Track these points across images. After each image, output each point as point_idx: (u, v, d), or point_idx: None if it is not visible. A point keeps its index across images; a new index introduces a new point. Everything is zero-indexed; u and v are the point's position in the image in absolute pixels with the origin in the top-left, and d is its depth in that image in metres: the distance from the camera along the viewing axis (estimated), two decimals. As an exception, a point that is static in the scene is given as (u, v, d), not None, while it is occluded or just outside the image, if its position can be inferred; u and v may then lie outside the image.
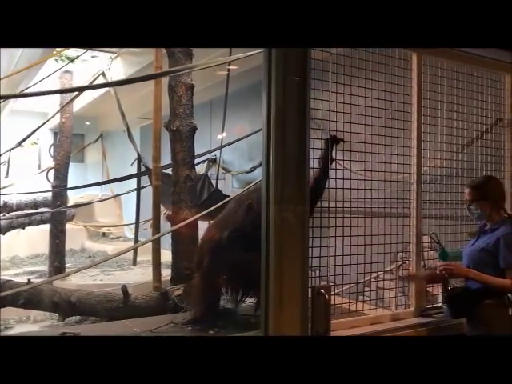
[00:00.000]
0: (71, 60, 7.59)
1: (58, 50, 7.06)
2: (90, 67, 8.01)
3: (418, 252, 2.95)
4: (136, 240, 8.82)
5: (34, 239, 9.63)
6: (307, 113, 2.11)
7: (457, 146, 3.15)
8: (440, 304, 2.88)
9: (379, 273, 3.02)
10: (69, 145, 8.43)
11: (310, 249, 2.26)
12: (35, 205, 9.47)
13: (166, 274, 5.40)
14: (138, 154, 7.63)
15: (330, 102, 2.56)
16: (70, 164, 8.50)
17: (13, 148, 8.02)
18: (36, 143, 11.99)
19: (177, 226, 4.81)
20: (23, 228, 9.26)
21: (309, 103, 2.14)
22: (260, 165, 2.28)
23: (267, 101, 2.04)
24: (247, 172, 7.73)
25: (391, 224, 2.87)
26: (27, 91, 7.68)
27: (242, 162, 8.00)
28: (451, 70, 3.08)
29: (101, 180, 10.48)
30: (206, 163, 8.17)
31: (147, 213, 6.72)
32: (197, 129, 5.31)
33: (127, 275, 8.15)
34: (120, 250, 5.79)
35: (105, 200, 10.11)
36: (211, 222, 4.50)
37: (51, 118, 8.27)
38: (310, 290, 2.17)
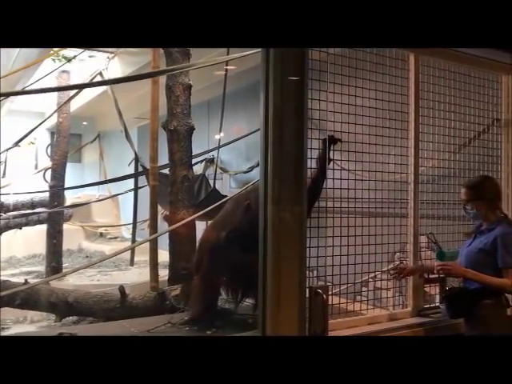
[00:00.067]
0: (68, 60, 7.57)
1: (55, 49, 7.04)
2: (88, 67, 7.99)
3: (416, 252, 2.95)
4: (133, 240, 8.81)
5: (31, 239, 9.60)
6: (305, 113, 2.12)
7: (454, 146, 3.15)
8: (437, 304, 2.88)
9: (377, 273, 3.02)
10: (66, 145, 8.42)
11: (308, 249, 2.27)
12: (32, 205, 9.44)
13: (164, 274, 5.39)
14: (136, 153, 7.61)
15: (327, 102, 2.56)
16: (68, 164, 8.48)
17: (10, 148, 7.99)
18: (33, 143, 11.96)
19: (174, 226, 4.80)
20: (20, 228, 9.22)
21: (306, 103, 2.14)
22: (258, 165, 2.29)
23: (265, 101, 2.04)
24: (245, 172, 7.72)
25: (388, 224, 2.87)
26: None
27: (240, 162, 8.00)
28: (448, 71, 3.08)
29: (98, 180, 10.47)
30: (203, 163, 8.16)
31: (144, 213, 6.71)
32: (194, 129, 5.30)
33: (124, 275, 8.14)
34: (117, 250, 5.80)
35: (102, 200, 10.09)
36: (209, 222, 4.50)
37: (48, 117, 8.25)
38: (307, 290, 2.17)
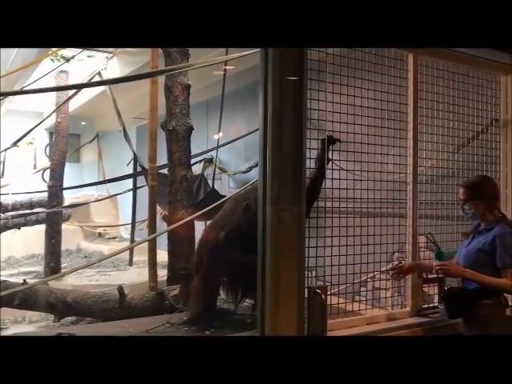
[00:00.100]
0: (67, 60, 7.56)
1: (54, 49, 7.03)
2: (86, 67, 7.99)
3: (414, 252, 2.95)
4: (132, 240, 8.80)
5: (30, 239, 9.59)
6: (304, 113, 2.11)
7: (453, 147, 3.16)
8: (436, 304, 2.88)
9: (375, 273, 3.02)
10: (65, 145, 8.41)
11: (307, 249, 2.27)
12: (31, 205, 9.43)
13: (163, 274, 5.39)
14: (134, 153, 7.61)
15: (326, 102, 2.57)
16: (66, 164, 8.48)
17: (8, 148, 7.99)
18: (32, 143, 11.95)
19: (173, 226, 4.80)
20: (19, 228, 9.22)
21: (305, 103, 2.14)
22: (256, 165, 2.29)
23: (264, 101, 2.04)
24: (244, 172, 7.72)
25: (387, 224, 2.87)
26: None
27: (239, 162, 8.00)
28: (447, 71, 3.09)
29: (97, 180, 10.47)
30: (202, 163, 8.16)
31: (143, 213, 6.70)
32: (193, 129, 5.30)
33: (123, 275, 8.14)
34: (116, 250, 5.78)
35: (101, 200, 10.09)
36: (208, 222, 4.50)
37: (47, 117, 8.26)
38: (306, 290, 2.17)
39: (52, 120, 8.56)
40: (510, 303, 2.53)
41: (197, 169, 7.77)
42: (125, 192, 8.63)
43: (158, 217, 5.74)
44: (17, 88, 8.09)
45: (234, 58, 4.32)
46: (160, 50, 5.24)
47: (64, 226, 8.76)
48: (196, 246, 3.74)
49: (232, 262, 3.05)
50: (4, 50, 6.67)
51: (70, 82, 8.31)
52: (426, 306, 2.98)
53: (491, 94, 3.29)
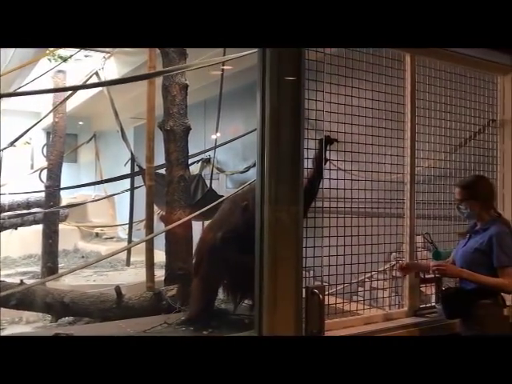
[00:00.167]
0: (64, 59, 7.55)
1: (51, 49, 7.02)
2: (84, 67, 7.97)
3: (412, 252, 2.95)
4: (129, 240, 8.79)
5: (27, 240, 9.57)
6: (301, 113, 2.12)
7: (450, 147, 3.16)
8: (433, 304, 2.89)
9: (373, 273, 3.03)
10: (62, 145, 8.39)
11: (304, 249, 2.27)
12: (28, 205, 9.41)
13: (160, 274, 5.38)
14: (132, 153, 7.60)
15: (323, 102, 2.57)
16: (63, 164, 8.46)
17: (5, 148, 7.96)
18: (29, 143, 11.93)
19: (170, 226, 4.79)
20: (15, 228, 9.19)
21: (303, 103, 2.14)
22: (254, 165, 2.29)
23: (261, 101, 2.04)
24: (241, 172, 7.72)
25: (385, 224, 2.88)
26: (20, 91, 7.63)
27: (237, 162, 8.00)
28: (444, 71, 3.09)
29: (94, 180, 10.43)
30: (199, 163, 8.15)
31: (141, 213, 6.69)
32: (191, 129, 5.30)
33: (121, 276, 8.12)
34: (113, 250, 5.77)
35: (98, 200, 10.06)
36: (206, 222, 4.49)
37: (44, 117, 8.22)
38: (304, 290, 2.17)
39: (49, 120, 8.54)
40: (507, 303, 2.54)
41: (194, 169, 7.77)
42: (122, 192, 8.61)
43: (156, 217, 5.73)
44: (14, 87, 8.08)
45: (232, 59, 4.32)
46: (158, 50, 5.23)
47: (61, 226, 8.74)
48: (195, 247, 3.74)
49: (232, 263, 3.05)
50: (1, 50, 6.66)
51: (68, 82, 8.29)
52: (424, 305, 2.98)
53: (488, 95, 3.30)
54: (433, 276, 2.68)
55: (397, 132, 2.92)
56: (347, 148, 2.75)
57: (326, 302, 2.41)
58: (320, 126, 2.61)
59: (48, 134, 10.46)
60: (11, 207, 9.24)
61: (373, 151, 2.82)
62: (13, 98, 10.01)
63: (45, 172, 8.46)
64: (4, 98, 9.51)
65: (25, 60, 6.84)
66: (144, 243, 5.21)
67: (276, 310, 2.03)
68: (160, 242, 5.33)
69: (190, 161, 6.21)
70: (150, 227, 5.25)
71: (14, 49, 6.75)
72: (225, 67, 5.84)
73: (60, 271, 7.77)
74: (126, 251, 8.48)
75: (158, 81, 5.30)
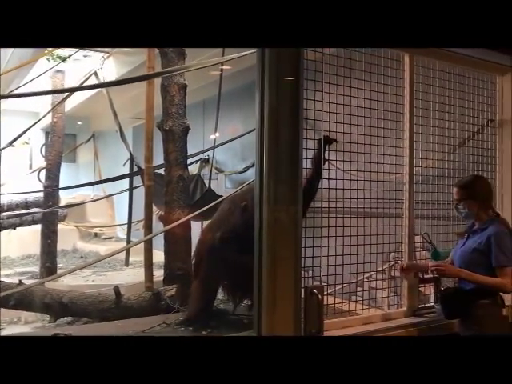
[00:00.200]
0: (63, 59, 7.55)
1: (50, 49, 7.01)
2: (82, 67, 7.98)
3: (410, 252, 2.96)
4: (128, 240, 8.78)
5: (26, 240, 9.56)
6: (300, 113, 2.11)
7: (449, 147, 3.17)
8: (432, 304, 2.89)
9: (372, 273, 3.03)
10: (60, 145, 8.39)
11: (303, 249, 2.27)
12: (26, 205, 9.40)
13: (159, 274, 5.38)
14: (131, 154, 7.60)
15: (322, 102, 2.57)
16: (62, 164, 8.45)
17: (4, 148, 7.95)
18: (27, 143, 11.92)
19: (169, 227, 4.79)
20: (14, 228, 9.18)
21: (302, 103, 2.14)
22: (253, 165, 2.29)
23: (260, 101, 2.04)
24: (240, 172, 7.72)
25: (383, 224, 2.88)
26: (19, 91, 7.62)
27: (235, 162, 8.00)
28: (443, 71, 3.10)
29: (93, 180, 10.44)
30: (198, 163, 8.16)
31: (139, 213, 6.70)
32: (190, 129, 5.30)
33: (119, 276, 8.11)
34: (112, 250, 5.77)
35: (97, 200, 10.06)
36: (204, 222, 4.49)
37: (43, 117, 8.22)
38: (302, 290, 2.17)
39: (48, 120, 8.54)
40: (506, 303, 2.54)
41: (193, 169, 7.77)
42: (121, 192, 8.61)
43: (155, 217, 5.73)
44: (12, 87, 8.07)
45: (231, 59, 4.32)
46: (156, 50, 5.23)
47: (60, 226, 8.74)
48: (195, 248, 3.74)
49: (231, 263, 3.05)
50: (0, 50, 6.65)
51: (66, 82, 8.29)
52: (422, 305, 2.99)
53: (487, 95, 3.30)
54: (431, 276, 2.69)
55: (395, 132, 2.92)
56: (346, 148, 2.75)
57: (325, 302, 2.42)
58: (319, 126, 2.61)
59: (47, 133, 10.45)
60: (10, 207, 9.23)
61: (371, 151, 2.82)
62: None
63: (43, 172, 8.45)
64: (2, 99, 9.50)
65: (23, 60, 6.84)
66: (143, 243, 5.22)
67: (275, 310, 2.03)
68: (159, 242, 5.34)
69: (189, 161, 6.21)
70: (148, 227, 5.25)
71: (12, 48, 6.74)
72: (224, 67, 5.84)
73: (59, 271, 7.76)
74: (124, 251, 8.47)
75: (157, 81, 5.30)
